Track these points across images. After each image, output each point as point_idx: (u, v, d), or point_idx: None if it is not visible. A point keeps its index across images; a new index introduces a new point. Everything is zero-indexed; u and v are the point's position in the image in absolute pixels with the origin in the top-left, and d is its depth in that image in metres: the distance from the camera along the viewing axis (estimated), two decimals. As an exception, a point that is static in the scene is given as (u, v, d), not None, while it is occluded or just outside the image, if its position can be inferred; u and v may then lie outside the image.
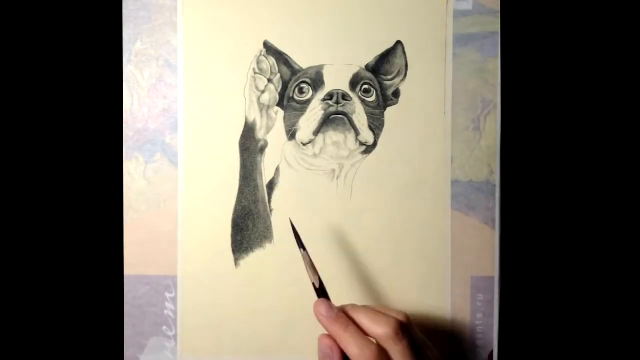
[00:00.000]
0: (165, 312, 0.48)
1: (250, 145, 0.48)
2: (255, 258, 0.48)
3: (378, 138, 0.48)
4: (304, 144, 0.48)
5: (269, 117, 0.48)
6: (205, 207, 0.48)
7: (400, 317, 0.40)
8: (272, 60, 0.48)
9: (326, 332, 0.40)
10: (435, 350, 0.41)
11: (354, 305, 0.41)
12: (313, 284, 0.42)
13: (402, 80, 0.48)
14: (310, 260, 0.42)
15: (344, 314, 0.40)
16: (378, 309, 0.41)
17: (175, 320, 0.48)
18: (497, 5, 0.48)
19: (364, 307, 0.41)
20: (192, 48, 0.48)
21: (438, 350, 0.42)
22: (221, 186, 0.48)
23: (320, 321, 0.40)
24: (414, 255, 0.48)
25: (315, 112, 0.48)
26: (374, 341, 0.39)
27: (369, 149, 0.48)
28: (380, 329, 0.38)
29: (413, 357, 0.38)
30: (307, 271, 0.42)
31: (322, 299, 0.41)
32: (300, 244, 0.42)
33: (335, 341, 0.39)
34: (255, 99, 0.48)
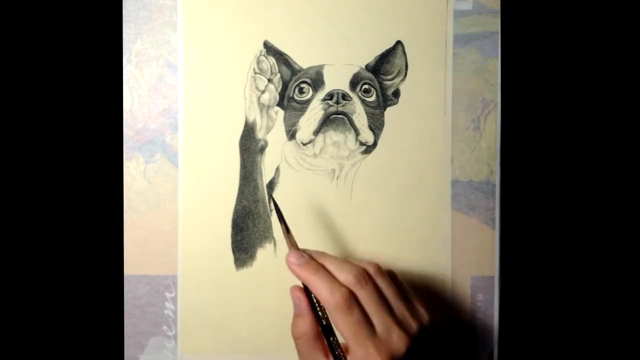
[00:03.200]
0: (165, 312, 0.48)
1: (250, 145, 0.48)
2: (255, 258, 0.48)
3: (378, 138, 0.48)
4: (304, 144, 0.48)
5: (269, 117, 0.48)
6: (205, 207, 0.48)
7: (366, 266, 0.41)
8: (272, 60, 0.48)
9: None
10: (422, 305, 0.42)
11: (322, 253, 0.42)
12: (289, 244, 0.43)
13: (402, 80, 0.48)
14: (288, 231, 0.43)
15: (313, 261, 0.41)
16: (347, 259, 0.42)
17: (175, 320, 0.48)
18: (497, 5, 0.48)
19: (331, 255, 0.42)
20: (192, 48, 0.48)
21: (428, 310, 0.42)
22: (221, 186, 0.48)
23: (291, 270, 0.41)
24: (414, 255, 0.48)
25: (315, 112, 0.48)
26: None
27: (369, 149, 0.48)
28: (342, 276, 0.40)
29: (379, 304, 0.39)
30: (285, 237, 0.43)
31: (293, 250, 0.42)
32: (282, 220, 0.43)
33: (302, 291, 0.41)
34: (255, 99, 0.48)
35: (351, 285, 0.39)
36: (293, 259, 0.41)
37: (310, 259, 0.41)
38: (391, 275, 0.43)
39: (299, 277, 0.40)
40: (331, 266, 0.40)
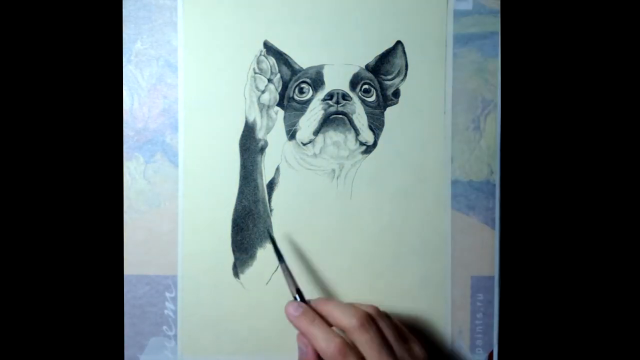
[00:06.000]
0: (165, 312, 0.48)
1: (250, 145, 0.48)
2: (255, 258, 0.48)
3: (378, 138, 0.48)
4: (304, 144, 0.48)
5: (269, 117, 0.48)
6: (205, 207, 0.48)
7: (368, 309, 0.41)
8: (272, 60, 0.48)
9: None
10: (418, 343, 0.42)
11: (325, 299, 0.42)
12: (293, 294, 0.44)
13: (402, 80, 0.48)
14: (289, 272, 0.44)
15: (311, 310, 0.41)
16: (348, 303, 0.42)
17: (175, 320, 0.48)
18: (497, 5, 0.48)
19: (334, 300, 0.42)
20: (192, 48, 0.48)
21: (424, 347, 0.42)
22: (221, 186, 0.48)
23: (290, 321, 0.41)
24: (414, 255, 0.48)
25: (315, 112, 0.48)
26: (342, 334, 0.40)
27: (369, 149, 0.48)
28: (346, 320, 0.39)
29: (381, 347, 0.39)
30: (287, 282, 0.44)
31: (292, 301, 0.42)
32: (280, 257, 0.44)
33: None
34: (255, 99, 0.48)
35: (355, 329, 0.39)
36: (292, 309, 0.41)
37: (308, 309, 0.41)
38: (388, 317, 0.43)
39: (297, 327, 0.41)
40: (335, 311, 0.40)
